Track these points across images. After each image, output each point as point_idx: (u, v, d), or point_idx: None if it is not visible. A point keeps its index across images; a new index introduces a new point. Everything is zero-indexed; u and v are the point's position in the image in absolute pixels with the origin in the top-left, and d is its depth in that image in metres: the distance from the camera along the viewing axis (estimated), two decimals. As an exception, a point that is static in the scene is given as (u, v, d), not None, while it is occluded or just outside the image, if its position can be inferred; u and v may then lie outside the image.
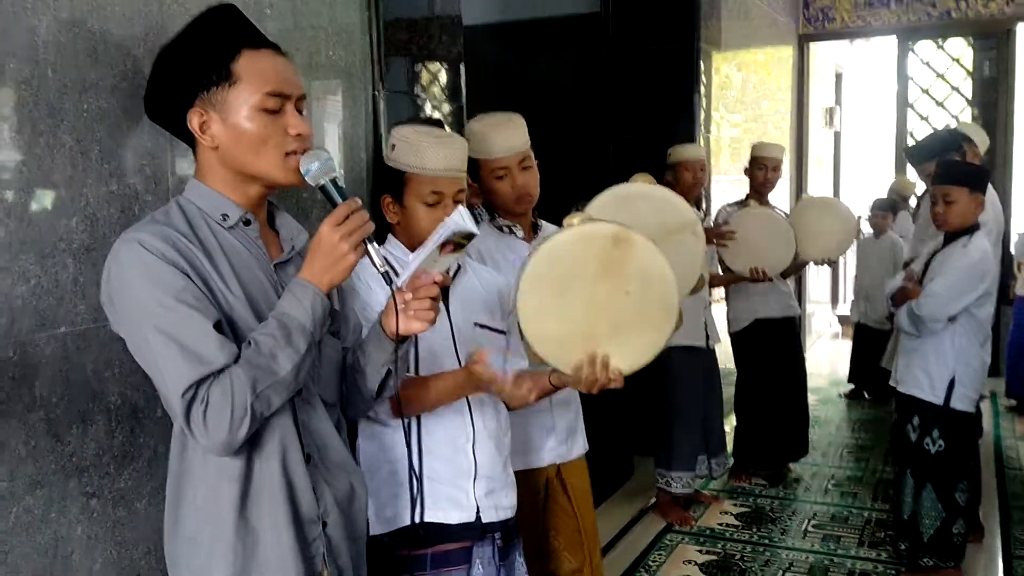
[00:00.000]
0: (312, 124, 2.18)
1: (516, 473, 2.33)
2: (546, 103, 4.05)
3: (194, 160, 1.48)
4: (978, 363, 3.47)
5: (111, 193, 1.60)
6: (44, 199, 1.49)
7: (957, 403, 3.40)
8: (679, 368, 4.17)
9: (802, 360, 5.04)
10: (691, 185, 4.18)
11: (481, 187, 2.48)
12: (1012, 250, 6.32)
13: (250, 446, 1.43)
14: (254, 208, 1.51)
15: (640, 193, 2.52)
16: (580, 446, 2.65)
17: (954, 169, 3.57)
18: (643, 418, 4.55)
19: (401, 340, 1.62)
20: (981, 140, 4.54)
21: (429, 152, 1.95)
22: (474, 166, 2.41)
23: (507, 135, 2.44)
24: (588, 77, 4.80)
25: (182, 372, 1.32)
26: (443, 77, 2.77)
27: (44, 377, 1.49)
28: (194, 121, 1.43)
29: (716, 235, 4.18)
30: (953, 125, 6.48)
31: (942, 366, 3.41)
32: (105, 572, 1.60)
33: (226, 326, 1.39)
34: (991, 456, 5.14)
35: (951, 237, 3.47)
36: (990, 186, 4.29)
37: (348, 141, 2.32)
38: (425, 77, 2.74)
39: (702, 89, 5.19)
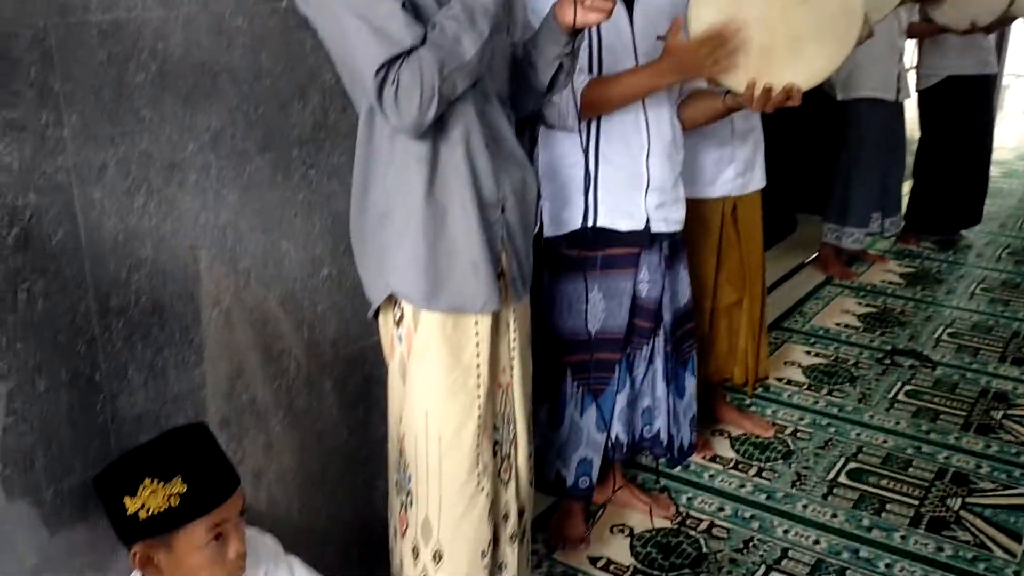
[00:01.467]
0: None
1: (690, 202, 2.38)
2: None
3: None
4: None
5: None
6: None
7: None
8: (865, 121, 4.00)
9: (991, 124, 4.73)
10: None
11: None
12: None
13: (436, 131, 1.49)
14: None
15: None
16: (757, 181, 2.65)
17: None
18: (808, 175, 4.46)
19: (574, 33, 1.62)
20: None
21: None
22: None
23: None
24: None
25: (373, 52, 1.37)
26: None
27: (269, 49, 1.60)
28: None
29: None
30: None
31: None
32: (322, 236, 1.78)
33: (410, 7, 1.40)
34: None
35: None
36: None
37: None
38: None
39: None
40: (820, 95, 3.95)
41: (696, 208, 2.49)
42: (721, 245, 2.63)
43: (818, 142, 4.30)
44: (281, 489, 1.81)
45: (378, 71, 1.38)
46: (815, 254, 4.40)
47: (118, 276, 1.42)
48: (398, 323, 1.66)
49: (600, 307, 2.14)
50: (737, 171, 2.57)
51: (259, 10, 1.57)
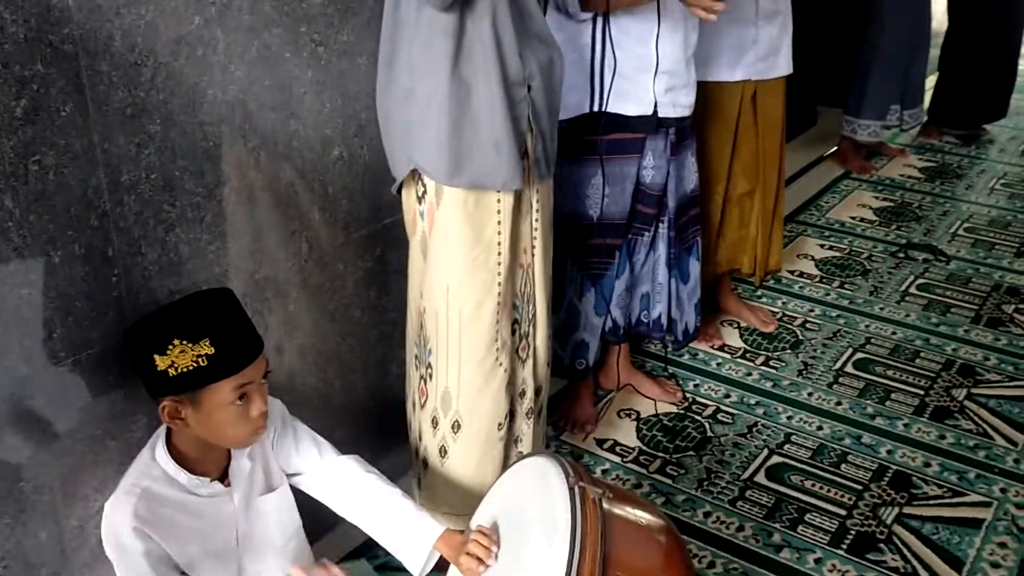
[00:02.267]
0: None
1: (707, 85, 2.34)
2: None
3: None
4: None
5: None
6: None
7: None
8: (889, 7, 3.87)
9: (1022, 15, 4.56)
10: None
11: None
12: None
13: (462, 4, 1.48)
14: None
15: None
16: (782, 67, 2.58)
17: None
18: (831, 64, 4.35)
19: None
20: None
21: None
22: None
23: None
24: None
25: None
26: None
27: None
28: None
29: None
30: None
31: None
32: (332, 116, 1.76)
33: None
34: None
35: None
36: None
37: None
38: None
39: None
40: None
41: (713, 91, 2.45)
42: (737, 132, 2.59)
43: (842, 31, 4.18)
44: (298, 364, 1.85)
45: None
46: (835, 147, 4.34)
47: (128, 151, 1.42)
48: (420, 199, 1.67)
49: (603, 192, 2.13)
50: (759, 55, 2.50)
51: None
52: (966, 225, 3.64)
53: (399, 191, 1.72)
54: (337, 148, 1.81)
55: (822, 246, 3.46)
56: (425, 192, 1.64)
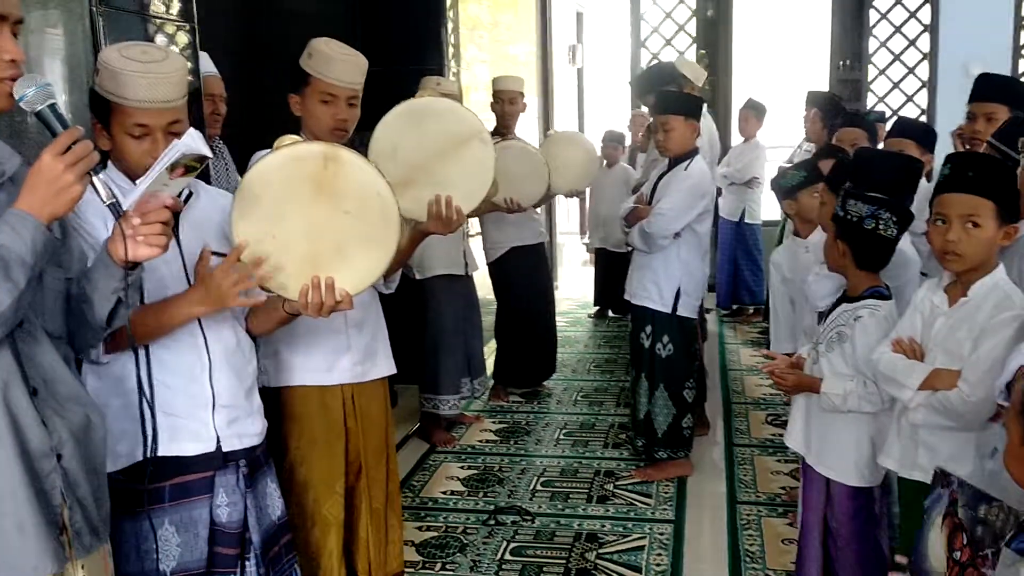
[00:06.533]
0: (28, 44, 2.03)
1: (314, 389, 2.46)
2: (292, 34, 3.94)
3: None
4: (700, 274, 3.87)
5: None
6: None
7: (683, 310, 3.78)
8: (441, 296, 4.32)
9: (551, 283, 5.36)
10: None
11: (303, 103, 2.48)
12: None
13: None
14: None
15: (426, 107, 2.58)
16: (380, 368, 2.69)
17: (670, 99, 3.89)
18: (403, 349, 4.65)
19: (131, 267, 1.60)
20: (695, 74, 4.94)
21: (130, 82, 1.79)
22: (303, 80, 2.43)
23: (350, 67, 2.45)
24: (336, 9, 4.83)
25: None
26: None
27: None
28: None
29: None
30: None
31: (670, 278, 3.76)
32: None
33: None
34: (716, 358, 5.75)
35: (674, 162, 3.80)
36: (708, 117, 4.70)
37: (68, 64, 2.18)
38: (154, -2, 2.57)
39: (450, 25, 5.28)
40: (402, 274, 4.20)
41: (317, 395, 2.53)
42: (347, 432, 2.63)
43: (405, 317, 4.53)
44: None
45: None
46: (418, 424, 4.56)
47: None
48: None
49: (174, 543, 1.97)
50: (355, 360, 2.59)
51: None
52: (543, 479, 3.96)
53: None
54: None
55: (420, 528, 3.53)
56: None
